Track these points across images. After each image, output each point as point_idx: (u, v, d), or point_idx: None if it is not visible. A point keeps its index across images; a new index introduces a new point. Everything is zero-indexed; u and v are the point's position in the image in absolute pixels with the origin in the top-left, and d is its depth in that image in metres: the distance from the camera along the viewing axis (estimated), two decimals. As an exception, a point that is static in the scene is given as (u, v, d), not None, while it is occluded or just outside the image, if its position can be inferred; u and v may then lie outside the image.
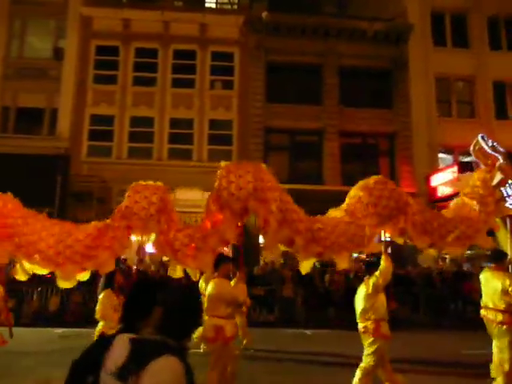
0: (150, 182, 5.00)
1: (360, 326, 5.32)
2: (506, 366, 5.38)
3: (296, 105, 17.64)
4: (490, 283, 5.60)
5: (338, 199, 5.73)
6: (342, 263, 5.02)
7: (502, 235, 5.80)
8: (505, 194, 5.52)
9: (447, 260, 15.56)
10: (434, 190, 17.12)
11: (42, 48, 17.89)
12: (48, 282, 12.54)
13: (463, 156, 18.42)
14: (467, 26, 19.41)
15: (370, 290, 5.24)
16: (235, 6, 19.42)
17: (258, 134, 17.53)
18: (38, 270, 4.73)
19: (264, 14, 17.73)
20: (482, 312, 5.70)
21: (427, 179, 17.48)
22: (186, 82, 17.95)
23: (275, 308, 12.81)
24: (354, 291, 5.55)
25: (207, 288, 5.38)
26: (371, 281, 5.26)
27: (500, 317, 5.44)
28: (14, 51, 17.75)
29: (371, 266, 5.45)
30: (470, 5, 19.29)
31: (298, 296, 12.83)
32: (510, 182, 5.55)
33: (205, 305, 5.17)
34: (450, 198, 16.39)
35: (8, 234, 4.40)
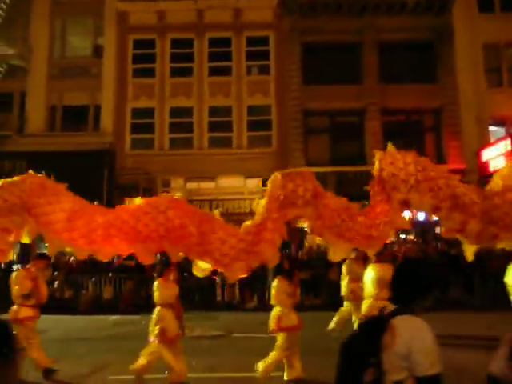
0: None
1: None
2: None
3: (334, 85, 17.20)
4: None
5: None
6: None
7: None
8: None
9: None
10: (486, 164, 16.28)
11: (83, 46, 18.43)
12: (102, 271, 13.13)
13: (516, 127, 17.38)
14: (517, -13, 18.10)
15: None
16: (268, -11, 19.09)
17: (297, 118, 17.30)
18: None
19: (297, -6, 17.33)
20: None
21: (477, 154, 16.65)
22: (223, 70, 17.96)
23: (321, 292, 12.74)
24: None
25: (368, 272, 5.69)
26: None
27: None
28: (57, 51, 18.40)
29: None
30: (520, -36, 17.95)
31: (344, 279, 12.67)
32: None
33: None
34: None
35: (187, 234, 4.57)
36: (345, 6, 17.42)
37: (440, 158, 17.01)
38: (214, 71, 17.95)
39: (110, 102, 17.73)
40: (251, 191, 16.53)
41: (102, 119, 17.70)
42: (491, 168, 15.99)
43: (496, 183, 4.98)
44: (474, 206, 4.67)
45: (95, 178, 15.76)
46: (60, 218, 4.57)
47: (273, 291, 5.81)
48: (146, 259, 4.65)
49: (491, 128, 17.55)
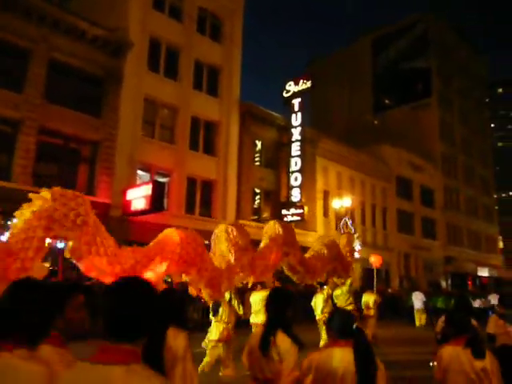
0: None
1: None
2: None
3: (-10, 85, 15.20)
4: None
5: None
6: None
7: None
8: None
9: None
10: (129, 203, 17.85)
11: None
12: None
13: (158, 176, 20.05)
14: (178, 61, 21.56)
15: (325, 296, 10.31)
16: None
17: None
18: None
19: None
20: None
21: (124, 193, 18.07)
22: None
23: None
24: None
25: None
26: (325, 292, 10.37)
27: None
28: None
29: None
30: (183, 44, 21.58)
31: None
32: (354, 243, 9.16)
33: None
34: (141, 212, 17.45)
35: None
36: (21, 7, 16.00)
37: (90, 190, 17.47)
38: None
39: None
40: None
41: None
42: (132, 207, 17.66)
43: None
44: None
45: None
46: None
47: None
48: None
49: (139, 172, 19.56)
